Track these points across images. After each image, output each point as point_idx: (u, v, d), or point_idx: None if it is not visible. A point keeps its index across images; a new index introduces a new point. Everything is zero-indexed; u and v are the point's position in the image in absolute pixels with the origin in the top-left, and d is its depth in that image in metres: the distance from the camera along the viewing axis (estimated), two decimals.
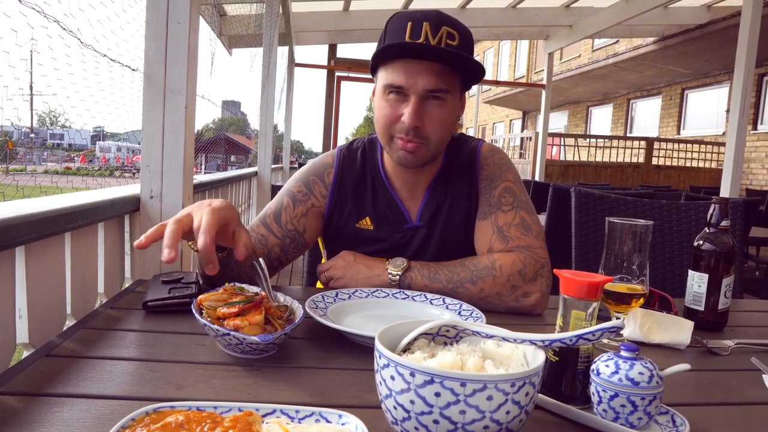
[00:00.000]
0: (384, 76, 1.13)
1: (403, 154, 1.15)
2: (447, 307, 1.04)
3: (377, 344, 0.57)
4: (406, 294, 1.09)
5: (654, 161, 10.35)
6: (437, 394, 0.51)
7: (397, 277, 1.14)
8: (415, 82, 1.09)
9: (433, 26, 1.08)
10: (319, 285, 1.31)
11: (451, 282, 1.13)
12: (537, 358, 0.58)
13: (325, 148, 8.73)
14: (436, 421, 0.52)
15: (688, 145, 10.83)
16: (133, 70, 1.53)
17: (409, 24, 1.09)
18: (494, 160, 1.29)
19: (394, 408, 0.54)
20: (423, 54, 1.08)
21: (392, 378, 0.54)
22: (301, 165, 1.26)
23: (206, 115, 4.24)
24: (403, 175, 1.26)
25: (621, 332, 0.94)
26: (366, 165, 1.30)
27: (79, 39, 1.23)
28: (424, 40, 1.07)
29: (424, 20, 1.08)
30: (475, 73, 1.14)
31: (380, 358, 0.56)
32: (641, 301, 0.91)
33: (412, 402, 0.53)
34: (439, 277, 1.14)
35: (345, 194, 1.28)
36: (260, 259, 0.94)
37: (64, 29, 1.15)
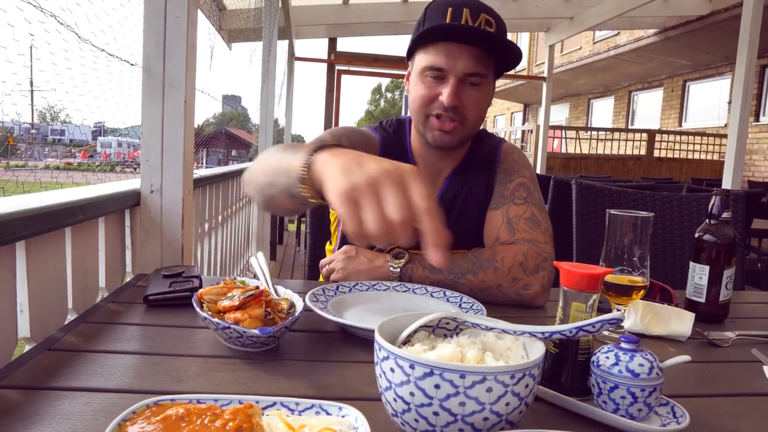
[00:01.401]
0: (423, 58, 1.17)
1: (438, 134, 1.17)
2: (448, 300, 1.04)
3: (377, 337, 0.57)
4: (406, 287, 1.09)
5: (656, 153, 10.32)
6: (437, 386, 0.51)
7: (398, 269, 1.14)
8: (456, 64, 1.13)
9: (472, 12, 1.12)
10: (321, 279, 1.31)
11: (452, 273, 1.13)
12: (537, 350, 0.58)
13: None
14: (435, 413, 0.52)
15: (690, 137, 10.79)
16: (132, 64, 1.52)
17: (450, 9, 1.13)
18: (514, 157, 1.32)
19: (394, 400, 0.55)
20: (465, 36, 1.11)
21: (392, 370, 0.54)
22: None
23: (206, 109, 4.24)
24: (429, 158, 1.27)
25: (621, 324, 0.94)
26: (397, 145, 1.31)
27: (76, 34, 1.22)
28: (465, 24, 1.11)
29: (464, 6, 1.12)
30: (512, 59, 1.16)
31: (380, 350, 0.56)
32: (642, 293, 0.91)
33: (411, 394, 0.53)
34: (441, 267, 1.13)
35: None
36: (260, 253, 0.95)
37: (62, 24, 1.15)
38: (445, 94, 1.13)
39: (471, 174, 1.29)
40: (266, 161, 0.92)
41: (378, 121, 1.37)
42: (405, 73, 1.30)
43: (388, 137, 1.31)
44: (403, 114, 1.31)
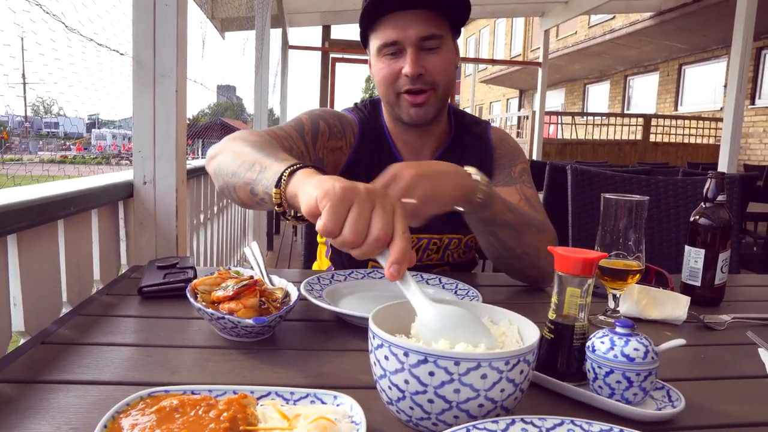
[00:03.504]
0: (375, 38, 1.14)
1: (414, 111, 1.14)
2: (443, 287, 1.04)
3: (371, 325, 0.56)
4: None
5: (651, 138, 10.33)
6: (431, 374, 0.51)
7: (485, 187, 0.95)
8: (407, 33, 1.10)
9: None
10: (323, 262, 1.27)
11: (523, 219, 1.03)
12: (532, 336, 0.58)
13: None
14: (430, 401, 0.52)
15: (686, 122, 10.79)
16: (121, 54, 1.50)
17: None
18: (509, 143, 1.31)
19: (389, 388, 0.54)
20: (406, 2, 1.08)
21: (386, 358, 0.54)
22: None
23: (201, 100, 4.21)
24: (406, 137, 1.25)
25: (617, 309, 0.94)
26: (375, 126, 1.27)
27: (63, 23, 1.20)
28: None
29: None
30: (461, 13, 1.13)
31: (374, 338, 0.55)
32: (637, 277, 0.91)
33: (406, 382, 0.52)
34: (515, 208, 1.04)
35: (362, 152, 1.24)
36: (254, 243, 0.94)
37: (47, 13, 1.13)
38: (406, 65, 1.10)
39: (465, 158, 1.27)
40: (237, 155, 0.90)
41: (355, 103, 1.34)
42: None
43: (365, 118, 1.27)
44: None
